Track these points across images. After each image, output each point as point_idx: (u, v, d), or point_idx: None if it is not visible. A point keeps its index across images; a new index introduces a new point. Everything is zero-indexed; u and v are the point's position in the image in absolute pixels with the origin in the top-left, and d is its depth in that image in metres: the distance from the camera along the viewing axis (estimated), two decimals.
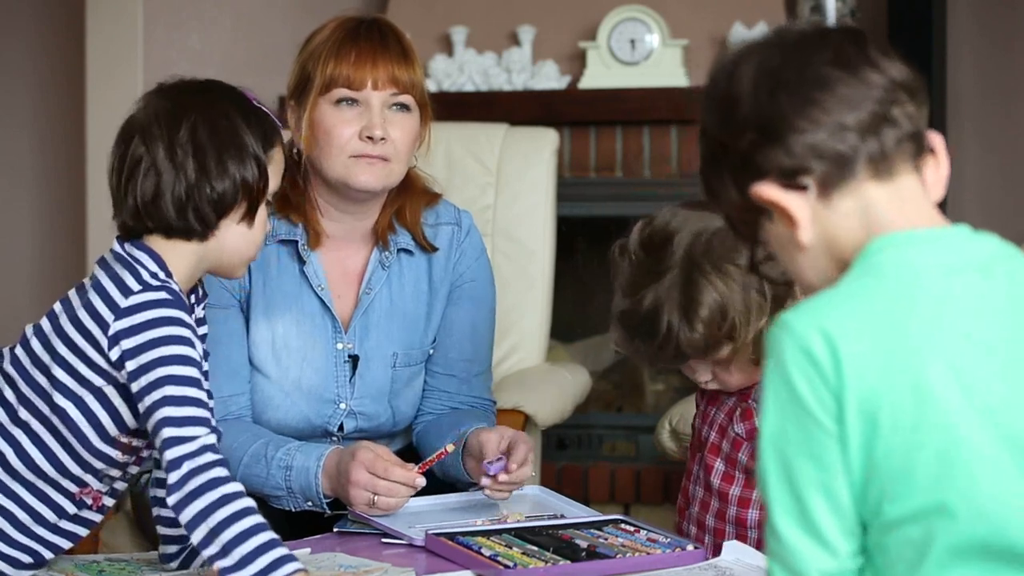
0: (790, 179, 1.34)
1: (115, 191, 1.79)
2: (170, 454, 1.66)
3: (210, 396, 1.88)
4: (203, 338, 1.90)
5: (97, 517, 1.88)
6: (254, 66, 3.86)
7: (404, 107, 2.19)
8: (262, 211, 1.83)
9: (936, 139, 1.38)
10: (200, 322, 1.89)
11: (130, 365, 1.72)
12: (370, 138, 2.15)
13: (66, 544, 1.86)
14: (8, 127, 4.43)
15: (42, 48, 4.40)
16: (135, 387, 1.71)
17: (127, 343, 1.72)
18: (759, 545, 1.97)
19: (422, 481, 2.04)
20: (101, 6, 3.81)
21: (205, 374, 1.87)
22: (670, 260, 1.86)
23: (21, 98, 4.44)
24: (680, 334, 1.85)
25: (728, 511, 2.00)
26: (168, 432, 1.67)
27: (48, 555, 1.85)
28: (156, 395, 1.69)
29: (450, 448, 2.09)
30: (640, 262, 1.90)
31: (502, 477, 2.05)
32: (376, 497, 2.01)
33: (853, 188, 1.34)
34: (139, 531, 2.51)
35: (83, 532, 1.87)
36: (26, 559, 1.83)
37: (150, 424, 1.69)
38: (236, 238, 1.81)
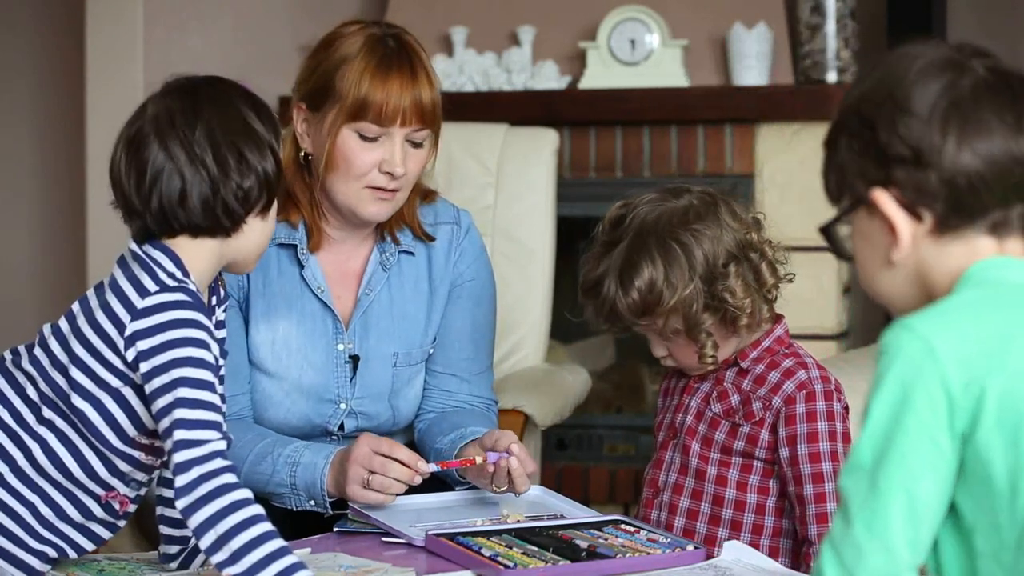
0: (912, 204, 1.37)
1: (132, 197, 1.77)
2: (179, 457, 1.65)
3: (223, 400, 1.89)
4: (223, 340, 1.90)
5: (122, 523, 1.88)
6: (254, 66, 3.85)
7: (421, 143, 2.20)
8: (275, 201, 1.83)
9: None
10: (220, 324, 1.89)
11: (145, 366, 1.71)
12: (389, 172, 2.16)
13: (90, 545, 1.85)
14: (8, 127, 4.43)
15: (42, 48, 4.40)
16: (149, 388, 1.71)
17: (143, 344, 1.72)
18: (734, 526, 2.04)
19: (425, 468, 2.04)
20: (101, 6, 3.80)
21: (223, 377, 1.88)
22: (623, 233, 2.04)
23: (21, 98, 4.44)
24: (617, 298, 2.01)
25: (705, 489, 2.05)
26: (179, 435, 1.66)
27: (72, 553, 1.84)
28: (169, 397, 1.68)
29: (478, 460, 2.07)
30: (604, 235, 2.08)
31: (515, 449, 2.06)
32: (371, 475, 2.01)
33: (967, 237, 1.37)
34: (139, 531, 2.52)
35: (107, 535, 1.87)
36: (52, 553, 1.82)
37: (162, 426, 1.69)
38: (256, 231, 1.81)
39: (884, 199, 1.38)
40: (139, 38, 3.78)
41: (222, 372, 1.85)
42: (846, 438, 2.02)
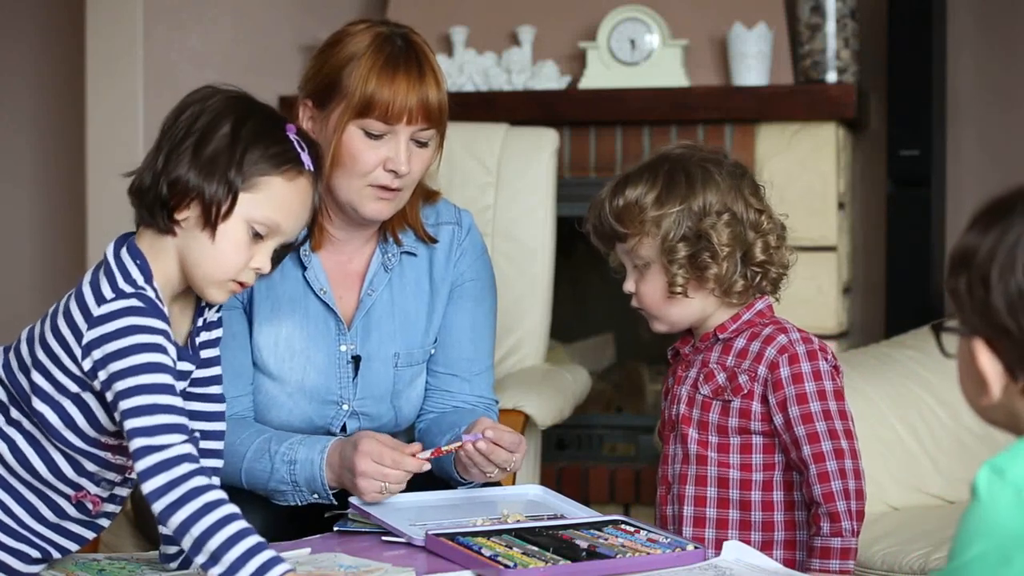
0: (1010, 365, 1.37)
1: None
2: (140, 464, 1.67)
3: (221, 400, 1.89)
4: (216, 342, 1.90)
5: (104, 522, 1.88)
6: (254, 66, 3.85)
7: (426, 142, 2.20)
8: (234, 231, 1.78)
9: None
10: (212, 325, 1.89)
11: (102, 375, 1.72)
12: (393, 171, 2.16)
13: (72, 546, 1.86)
14: (8, 127, 4.43)
15: (42, 48, 4.40)
16: (109, 396, 1.72)
17: (98, 353, 1.72)
18: (743, 506, 2.06)
19: (425, 456, 2.06)
20: (101, 6, 3.80)
21: (217, 378, 1.88)
22: (652, 156, 2.12)
23: (21, 98, 4.43)
24: (607, 198, 2.09)
25: (709, 473, 2.07)
26: (138, 442, 1.67)
27: (56, 554, 1.85)
28: (126, 404, 1.69)
29: (476, 442, 2.10)
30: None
31: (481, 444, 2.08)
32: (387, 485, 2.03)
33: None
34: (139, 531, 2.52)
35: (89, 535, 1.87)
36: (34, 553, 1.83)
37: (125, 433, 1.70)
38: (198, 245, 1.77)
39: (983, 354, 1.38)
40: (139, 38, 3.77)
41: (217, 373, 1.86)
42: (837, 395, 2.04)
